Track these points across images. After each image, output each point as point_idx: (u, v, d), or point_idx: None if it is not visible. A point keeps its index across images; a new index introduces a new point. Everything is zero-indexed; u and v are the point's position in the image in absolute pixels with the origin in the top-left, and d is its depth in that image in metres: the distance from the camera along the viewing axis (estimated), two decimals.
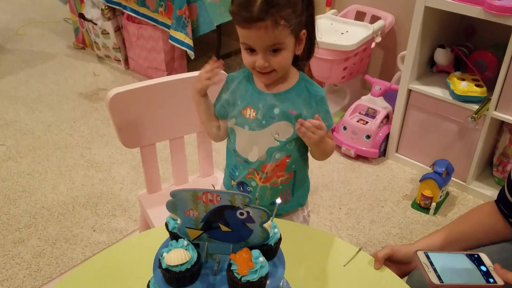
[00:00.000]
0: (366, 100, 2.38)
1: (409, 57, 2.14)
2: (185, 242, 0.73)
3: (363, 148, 2.32)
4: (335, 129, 2.42)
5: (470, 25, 2.27)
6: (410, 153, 2.34)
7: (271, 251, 0.76)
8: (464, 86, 2.02)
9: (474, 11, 1.86)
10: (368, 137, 2.30)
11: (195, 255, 0.73)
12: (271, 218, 0.75)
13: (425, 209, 2.06)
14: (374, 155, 2.34)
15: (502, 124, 2.11)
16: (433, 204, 2.03)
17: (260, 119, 1.10)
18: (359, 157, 2.37)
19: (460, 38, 2.30)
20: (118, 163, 2.31)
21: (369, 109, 2.35)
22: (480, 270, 0.91)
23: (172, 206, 0.73)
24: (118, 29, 3.11)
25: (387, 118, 2.35)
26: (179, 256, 0.70)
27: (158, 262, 0.74)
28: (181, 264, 0.70)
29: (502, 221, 1.11)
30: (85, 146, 2.43)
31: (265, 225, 0.73)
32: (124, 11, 2.93)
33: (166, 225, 0.79)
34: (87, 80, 3.08)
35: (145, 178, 1.50)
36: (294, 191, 1.22)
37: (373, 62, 2.71)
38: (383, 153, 2.40)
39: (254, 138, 1.13)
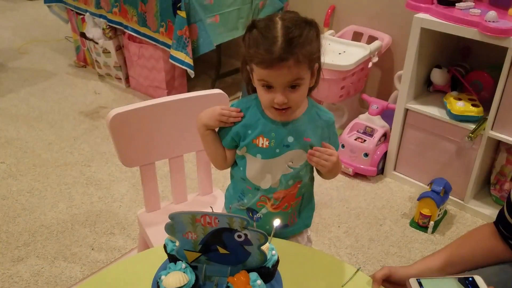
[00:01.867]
0: (363, 119, 2.40)
1: (406, 77, 2.17)
2: (183, 265, 0.74)
3: (361, 166, 2.34)
4: None
5: (466, 46, 2.30)
6: (408, 172, 2.36)
7: (268, 273, 0.77)
8: (461, 106, 2.04)
9: (470, 33, 1.89)
10: (366, 155, 2.31)
11: (193, 278, 0.74)
12: (269, 240, 0.76)
13: (424, 228, 2.07)
14: (372, 173, 2.35)
15: (498, 143, 2.12)
16: (431, 223, 2.04)
17: (274, 147, 1.09)
18: (358, 175, 2.39)
19: (457, 58, 2.34)
20: (117, 181, 2.32)
21: (367, 128, 2.37)
22: None
23: (170, 229, 0.74)
24: (119, 48, 3.15)
25: (385, 136, 2.37)
26: (177, 279, 0.71)
27: (156, 285, 0.75)
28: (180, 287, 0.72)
29: (502, 243, 1.11)
30: (85, 164, 2.44)
31: (263, 247, 0.74)
32: (126, 31, 2.97)
33: (165, 247, 0.80)
34: (88, 98, 3.11)
35: (144, 197, 1.51)
36: (301, 213, 1.23)
37: (370, 81, 2.74)
38: (381, 171, 2.41)
39: (267, 166, 1.11)
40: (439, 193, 2.02)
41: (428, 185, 2.13)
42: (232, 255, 0.75)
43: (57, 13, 3.57)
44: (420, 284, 0.92)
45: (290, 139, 1.10)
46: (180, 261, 0.75)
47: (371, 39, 2.57)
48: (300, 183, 1.16)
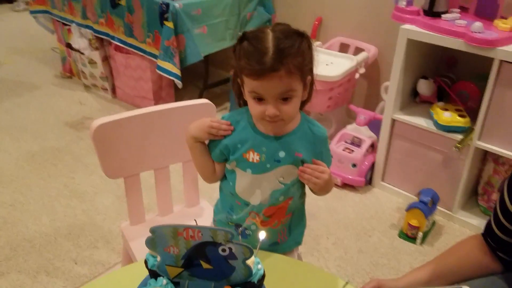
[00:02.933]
0: (351, 129, 2.40)
1: (392, 87, 2.17)
2: (164, 281, 0.71)
3: (350, 177, 2.33)
4: None
5: (452, 56, 2.31)
6: (396, 182, 2.35)
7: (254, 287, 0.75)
8: (448, 117, 2.04)
9: (456, 44, 1.90)
10: (354, 165, 2.31)
11: None
12: (254, 253, 0.73)
13: (412, 239, 2.05)
14: (361, 184, 2.34)
15: (486, 153, 2.13)
16: (420, 234, 2.03)
17: (265, 162, 1.07)
18: (346, 185, 2.37)
19: (443, 69, 2.35)
20: (101, 193, 2.28)
21: (354, 138, 2.37)
22: None
23: (151, 243, 0.71)
24: (106, 59, 3.12)
25: (372, 147, 2.36)
26: None
27: None
28: None
29: (490, 254, 1.10)
30: (69, 176, 2.40)
31: (248, 261, 0.72)
32: (112, 41, 2.95)
33: (146, 262, 0.77)
34: (73, 109, 3.07)
35: (128, 210, 1.48)
36: (291, 230, 1.20)
37: (357, 92, 2.74)
38: (369, 181, 2.40)
39: (257, 181, 1.08)
40: (427, 204, 2.01)
41: (416, 195, 2.13)
42: (216, 270, 0.72)
43: (43, 23, 3.54)
44: None
45: (282, 154, 1.07)
46: (161, 277, 0.72)
47: (358, 51, 2.57)
48: (291, 199, 1.14)
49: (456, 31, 1.90)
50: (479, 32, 1.84)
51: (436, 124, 2.07)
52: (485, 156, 2.15)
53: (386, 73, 2.56)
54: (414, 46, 2.08)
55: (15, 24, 4.72)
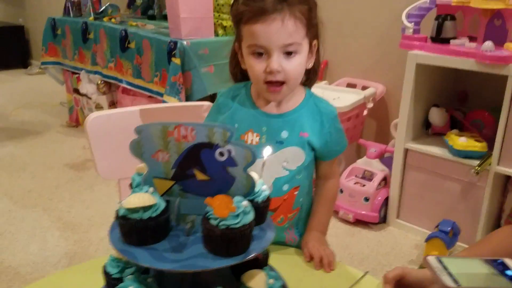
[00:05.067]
0: (362, 163, 2.29)
1: (403, 116, 2.10)
2: (151, 189, 0.59)
3: (362, 212, 2.18)
4: None
5: (463, 90, 2.27)
6: (412, 219, 2.19)
7: (258, 211, 0.61)
8: (463, 141, 1.94)
9: (467, 64, 1.86)
10: (366, 199, 2.17)
11: (163, 204, 0.59)
12: (260, 174, 0.62)
13: None
14: (374, 220, 2.18)
15: (506, 182, 2.00)
16: None
17: (265, 144, 0.95)
18: (358, 222, 2.21)
19: (454, 103, 2.29)
20: (97, 226, 2.14)
21: (366, 172, 2.25)
22: (505, 275, 0.76)
23: (136, 146, 0.60)
24: (113, 104, 3.12)
25: (385, 181, 2.24)
26: (141, 199, 0.56)
27: (115, 215, 0.59)
28: (144, 209, 0.56)
29: None
30: (64, 210, 2.27)
31: (252, 173, 0.60)
32: (120, 84, 2.96)
33: (130, 185, 0.65)
34: (75, 153, 3.01)
35: None
36: (300, 229, 1.06)
37: (366, 130, 2.67)
38: (383, 219, 2.24)
39: (257, 167, 0.99)
40: (447, 233, 1.85)
41: (434, 228, 1.96)
42: (212, 182, 0.60)
43: (53, 74, 3.59)
44: (440, 261, 0.76)
45: (284, 134, 0.97)
46: (147, 186, 0.60)
47: (365, 89, 2.55)
48: (297, 189, 1.01)
49: (467, 52, 1.86)
50: (491, 51, 1.80)
51: (452, 150, 1.97)
52: (505, 186, 2.02)
53: (395, 110, 2.50)
54: (423, 72, 2.04)
55: (27, 85, 4.82)
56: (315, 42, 0.98)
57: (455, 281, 0.72)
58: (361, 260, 1.95)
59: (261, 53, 0.91)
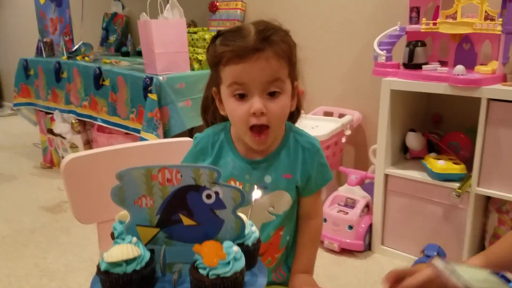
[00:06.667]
0: (343, 191, 2.29)
1: (381, 142, 2.11)
2: (134, 239, 0.56)
3: (347, 241, 2.16)
4: None
5: (437, 113, 2.31)
6: (397, 244, 2.18)
7: (248, 254, 0.59)
8: (442, 164, 1.96)
9: (440, 88, 1.89)
10: (350, 227, 2.15)
11: (148, 255, 0.56)
12: (248, 216, 0.60)
13: None
14: (360, 248, 2.16)
15: (487, 203, 2.01)
16: None
17: (252, 187, 0.91)
18: (344, 251, 2.19)
19: (429, 126, 2.32)
20: (75, 271, 2.05)
21: (348, 199, 2.24)
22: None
23: (118, 193, 0.57)
24: (88, 143, 3.06)
25: (367, 207, 2.23)
26: (124, 251, 0.53)
27: (97, 269, 0.56)
28: (127, 262, 0.53)
29: None
30: (40, 256, 2.18)
31: (240, 213, 0.58)
32: (95, 122, 2.91)
33: (112, 234, 0.62)
34: (51, 194, 2.92)
35: None
36: (288, 264, 1.03)
37: (345, 158, 2.68)
38: (368, 246, 2.22)
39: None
40: (434, 258, 1.84)
41: (420, 253, 1.95)
42: (200, 227, 0.57)
43: (26, 115, 3.52)
44: (447, 265, 0.77)
45: (268, 178, 0.93)
46: (130, 236, 0.57)
47: (342, 117, 2.57)
48: (282, 229, 0.98)
49: (439, 76, 1.90)
50: (462, 74, 1.84)
51: (431, 173, 1.98)
52: (486, 207, 2.04)
53: (372, 136, 2.52)
54: (398, 97, 2.07)
55: None
56: (296, 83, 0.97)
57: (466, 281, 0.72)
58: None
59: (243, 94, 0.88)
